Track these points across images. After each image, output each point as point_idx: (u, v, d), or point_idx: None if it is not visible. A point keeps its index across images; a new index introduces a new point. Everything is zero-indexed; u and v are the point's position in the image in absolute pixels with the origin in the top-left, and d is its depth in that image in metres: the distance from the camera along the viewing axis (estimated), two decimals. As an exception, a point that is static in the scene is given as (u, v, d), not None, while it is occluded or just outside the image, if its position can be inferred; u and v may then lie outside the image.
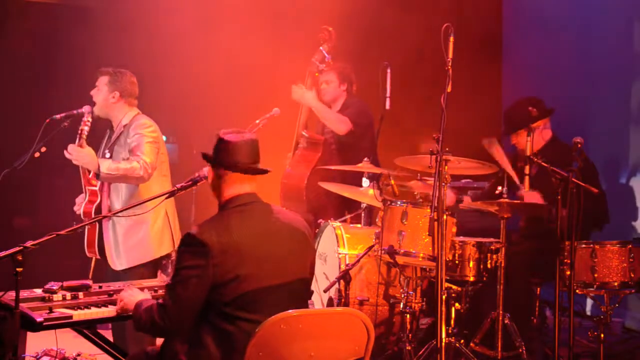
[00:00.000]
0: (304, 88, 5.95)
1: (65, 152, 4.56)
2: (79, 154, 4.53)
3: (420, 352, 4.58)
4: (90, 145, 4.59)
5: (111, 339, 3.83)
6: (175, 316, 3.02)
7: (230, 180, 3.17)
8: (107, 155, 4.78)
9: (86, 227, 4.75)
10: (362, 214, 5.50)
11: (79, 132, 4.54)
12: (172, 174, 4.94)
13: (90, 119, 4.60)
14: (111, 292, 3.56)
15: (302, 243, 3.24)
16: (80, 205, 4.81)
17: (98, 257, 4.79)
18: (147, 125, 4.73)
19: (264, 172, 3.22)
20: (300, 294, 3.22)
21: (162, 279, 3.98)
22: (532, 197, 4.90)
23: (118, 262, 4.69)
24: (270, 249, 3.10)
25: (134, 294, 3.36)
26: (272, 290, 3.06)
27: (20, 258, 3.01)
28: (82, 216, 4.76)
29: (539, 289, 5.08)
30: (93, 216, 4.69)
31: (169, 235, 4.78)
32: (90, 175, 4.75)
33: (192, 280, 2.98)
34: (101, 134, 5.00)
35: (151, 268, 4.73)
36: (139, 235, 4.69)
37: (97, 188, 4.76)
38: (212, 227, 3.05)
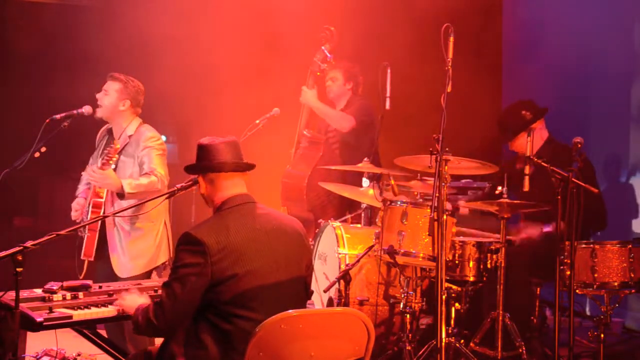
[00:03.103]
0: (306, 89, 5.96)
1: (85, 173, 4.57)
2: (102, 176, 4.54)
3: (420, 352, 4.58)
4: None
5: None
6: (171, 314, 3.04)
7: (221, 183, 3.20)
8: (112, 167, 4.78)
9: (86, 233, 4.76)
10: (362, 214, 5.49)
11: (106, 158, 4.53)
12: (172, 174, 4.94)
13: (119, 146, 4.65)
14: (111, 292, 3.56)
15: (297, 242, 3.26)
16: (78, 211, 4.82)
17: (92, 259, 4.80)
18: (155, 138, 4.80)
19: (251, 166, 3.25)
20: (297, 292, 3.23)
21: (159, 280, 3.99)
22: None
23: (124, 270, 4.74)
24: (266, 248, 3.12)
25: (136, 299, 3.37)
26: (269, 288, 3.08)
27: (20, 258, 3.01)
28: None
29: (539, 289, 5.08)
30: (98, 226, 4.72)
31: (166, 244, 4.88)
32: (98, 188, 4.75)
33: (190, 278, 3.00)
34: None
35: (148, 275, 4.80)
36: (145, 246, 4.77)
37: (103, 200, 4.77)
38: (209, 227, 3.08)
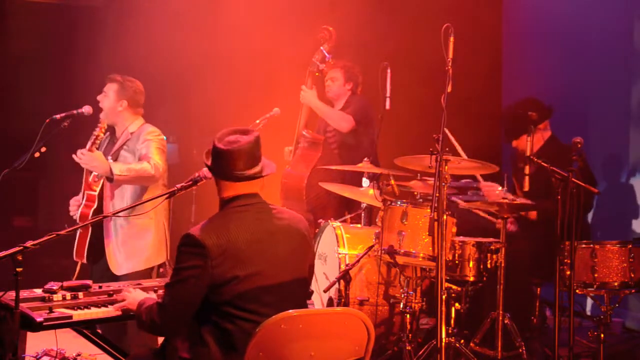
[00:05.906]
0: (305, 89, 5.97)
1: (74, 155, 4.58)
2: (90, 158, 4.56)
3: (420, 352, 4.58)
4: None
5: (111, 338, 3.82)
6: (173, 315, 3.05)
7: (233, 185, 3.16)
8: (111, 161, 4.78)
9: (78, 231, 4.75)
10: (362, 214, 5.50)
11: (93, 137, 4.57)
12: (172, 174, 4.94)
13: (105, 126, 4.66)
14: (111, 292, 3.56)
15: (301, 243, 3.23)
16: (76, 208, 4.81)
17: (84, 261, 4.79)
18: (155, 132, 4.82)
19: (258, 177, 3.17)
20: (299, 294, 3.22)
21: (159, 280, 3.99)
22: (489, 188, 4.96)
23: (118, 267, 4.73)
24: (268, 249, 3.10)
25: (137, 295, 3.38)
26: (270, 289, 3.07)
27: (20, 258, 3.01)
28: (77, 220, 4.76)
29: (539, 289, 5.08)
30: (90, 218, 4.70)
31: (164, 245, 4.87)
32: (91, 179, 4.76)
33: (190, 281, 2.99)
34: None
35: (147, 274, 4.77)
36: (142, 243, 4.75)
37: (96, 193, 4.77)
38: (211, 228, 3.06)
